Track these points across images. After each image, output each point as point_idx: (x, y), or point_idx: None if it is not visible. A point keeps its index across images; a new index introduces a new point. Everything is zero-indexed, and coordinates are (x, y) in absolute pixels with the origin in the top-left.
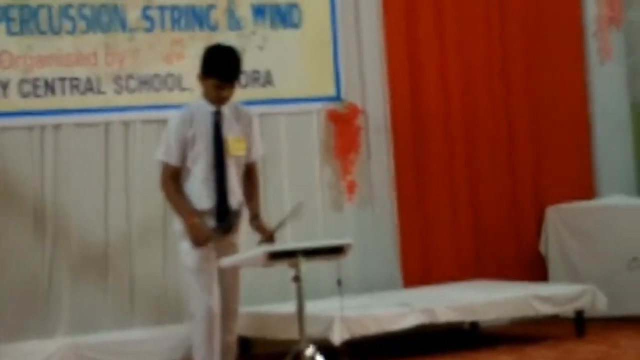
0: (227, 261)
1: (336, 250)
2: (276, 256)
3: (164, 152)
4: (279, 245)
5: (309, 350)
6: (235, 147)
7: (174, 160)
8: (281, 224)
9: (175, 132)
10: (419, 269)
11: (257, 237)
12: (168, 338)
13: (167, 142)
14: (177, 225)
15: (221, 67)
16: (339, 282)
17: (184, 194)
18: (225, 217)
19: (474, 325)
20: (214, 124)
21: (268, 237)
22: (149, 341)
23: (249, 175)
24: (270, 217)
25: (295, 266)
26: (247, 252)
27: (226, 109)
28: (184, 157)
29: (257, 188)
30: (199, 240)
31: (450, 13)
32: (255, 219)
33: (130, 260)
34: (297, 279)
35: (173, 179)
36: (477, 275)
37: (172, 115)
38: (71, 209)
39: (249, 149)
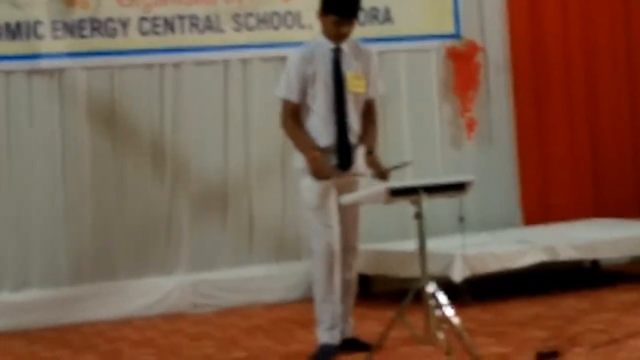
0: (348, 198)
1: (458, 187)
2: (397, 193)
3: (285, 88)
4: (400, 182)
5: (430, 287)
6: (354, 84)
7: (294, 97)
8: (392, 169)
9: (295, 69)
10: (538, 207)
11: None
12: (287, 275)
13: (287, 79)
14: (297, 162)
15: (340, 3)
16: (461, 219)
17: (304, 130)
18: (344, 153)
19: (594, 263)
20: (334, 60)
21: (380, 174)
22: (268, 278)
23: (368, 112)
24: (389, 153)
25: (417, 203)
26: (368, 188)
27: (346, 46)
28: (304, 94)
29: (375, 125)
30: (320, 174)
31: None
32: (369, 154)
33: (249, 198)
34: (418, 215)
35: (293, 115)
36: (596, 214)
37: (292, 53)
38: (190, 147)
39: (368, 86)
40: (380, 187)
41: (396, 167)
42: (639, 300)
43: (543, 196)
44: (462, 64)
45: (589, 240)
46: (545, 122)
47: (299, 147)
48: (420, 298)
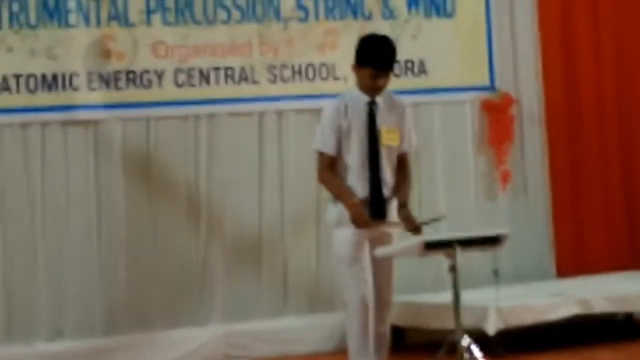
0: (382, 251)
1: (492, 241)
2: (432, 246)
3: (320, 141)
4: (435, 235)
5: (465, 340)
6: (388, 138)
7: (330, 150)
8: (426, 223)
9: (330, 121)
10: (572, 259)
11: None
12: (321, 327)
13: (322, 131)
14: (331, 214)
15: (376, 56)
16: (496, 273)
17: (342, 179)
18: (378, 206)
19: (628, 315)
20: (369, 114)
21: (414, 228)
22: (302, 330)
23: (401, 165)
24: (423, 206)
25: (452, 256)
26: (403, 241)
27: (380, 99)
28: (339, 146)
29: (408, 178)
30: (360, 221)
31: (606, 4)
32: (402, 208)
33: (283, 250)
34: (453, 269)
35: (330, 167)
36: (630, 266)
37: (327, 105)
38: (225, 199)
39: (402, 140)
40: (415, 240)
41: (430, 221)
42: None
43: (577, 248)
44: (497, 116)
45: (623, 292)
46: (580, 175)
47: (339, 195)
48: (454, 351)
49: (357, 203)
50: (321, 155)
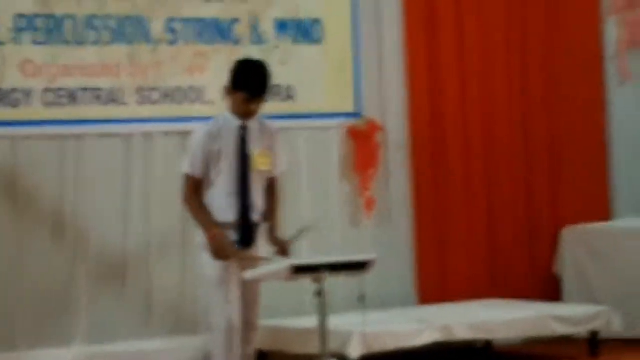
0: (251, 274)
1: (360, 266)
2: (300, 270)
3: (189, 164)
4: (303, 259)
5: None
6: (260, 162)
7: (198, 172)
8: (295, 237)
9: (201, 145)
10: (434, 287)
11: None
12: (184, 349)
13: (191, 154)
14: (199, 237)
15: (251, 81)
16: (362, 298)
17: (206, 206)
18: (246, 230)
19: (487, 343)
20: (240, 138)
21: (282, 250)
22: (165, 352)
23: (270, 189)
24: (288, 231)
25: (319, 281)
26: (271, 265)
27: (252, 123)
28: (207, 170)
29: (278, 203)
30: (220, 254)
31: (471, 32)
32: (271, 232)
33: (148, 271)
34: (320, 293)
35: (196, 191)
36: (491, 294)
37: (199, 128)
38: (91, 220)
39: (272, 164)
40: (283, 264)
41: (296, 236)
42: None
43: (439, 275)
44: (363, 142)
45: (483, 320)
46: (444, 202)
47: (200, 223)
48: None
49: (217, 234)
50: (188, 178)
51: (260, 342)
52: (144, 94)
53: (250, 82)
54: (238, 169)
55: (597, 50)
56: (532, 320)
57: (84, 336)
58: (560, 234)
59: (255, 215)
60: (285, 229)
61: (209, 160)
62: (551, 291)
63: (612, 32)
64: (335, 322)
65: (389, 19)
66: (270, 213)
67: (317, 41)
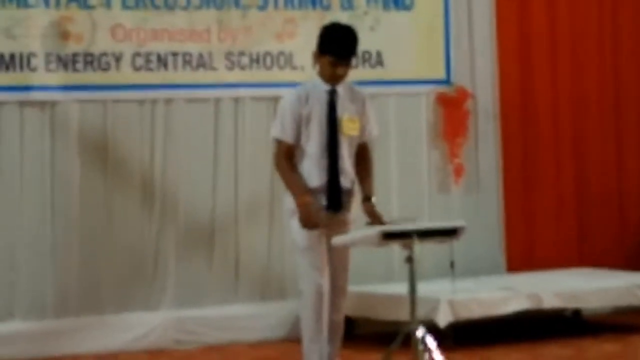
0: (340, 239)
1: (450, 233)
2: (390, 236)
3: (279, 129)
4: (393, 226)
5: (420, 332)
6: (348, 127)
7: (289, 138)
8: (390, 223)
9: (290, 109)
10: (523, 255)
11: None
12: (272, 315)
13: (282, 119)
14: (288, 203)
15: (338, 45)
16: (452, 265)
17: (298, 172)
18: (336, 196)
19: (576, 312)
20: (329, 102)
21: (377, 223)
22: (252, 317)
23: (362, 155)
24: (377, 197)
25: (409, 247)
26: (361, 231)
27: (341, 89)
28: (298, 135)
29: (371, 169)
30: (308, 222)
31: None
32: (367, 200)
33: (236, 236)
34: (410, 259)
35: (287, 156)
36: (580, 263)
37: (288, 93)
38: (180, 184)
39: (362, 129)
40: (374, 230)
41: (394, 223)
42: (620, 351)
43: (528, 244)
44: (452, 110)
45: (572, 289)
46: (533, 170)
47: (291, 189)
48: (408, 342)
49: (306, 202)
50: (279, 143)
51: (348, 308)
52: (233, 59)
53: (336, 45)
54: (327, 133)
55: None
56: (621, 290)
57: (171, 301)
58: None
59: (344, 180)
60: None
61: (299, 124)
62: None
63: None
64: (424, 289)
65: None
66: (363, 181)
67: (408, 7)
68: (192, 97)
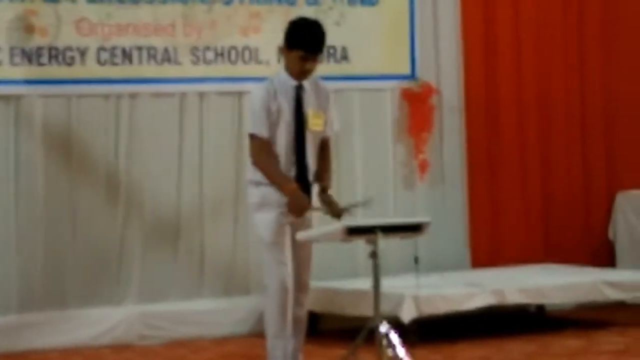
0: (304, 235)
1: (414, 228)
2: (354, 232)
3: (254, 124)
4: (358, 221)
5: (383, 327)
6: (314, 122)
7: (264, 132)
8: (348, 208)
9: (262, 104)
10: (487, 251)
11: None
12: (236, 310)
13: (255, 114)
14: (252, 197)
15: (307, 39)
16: (417, 260)
17: (278, 164)
18: (304, 191)
19: (540, 308)
20: (296, 97)
21: (335, 212)
22: (217, 312)
23: (323, 150)
24: (341, 193)
25: (373, 242)
26: (325, 226)
27: (307, 83)
28: (272, 129)
29: (330, 163)
30: (298, 208)
31: None
32: (323, 192)
33: (201, 231)
34: (374, 255)
35: (264, 150)
36: (544, 259)
37: (256, 88)
38: (144, 179)
39: (325, 124)
40: (338, 225)
41: (356, 205)
42: (584, 347)
43: (492, 239)
44: (417, 105)
45: (537, 284)
46: (498, 166)
47: (275, 180)
48: (372, 337)
49: (295, 189)
50: (255, 138)
51: (313, 303)
52: (198, 54)
53: (305, 39)
54: (294, 130)
55: None
56: (585, 286)
57: (136, 296)
58: (615, 199)
59: (310, 176)
60: (339, 191)
61: (271, 119)
62: (605, 256)
63: None
64: (388, 284)
65: None
66: (322, 173)
67: (373, 3)
68: (157, 91)
